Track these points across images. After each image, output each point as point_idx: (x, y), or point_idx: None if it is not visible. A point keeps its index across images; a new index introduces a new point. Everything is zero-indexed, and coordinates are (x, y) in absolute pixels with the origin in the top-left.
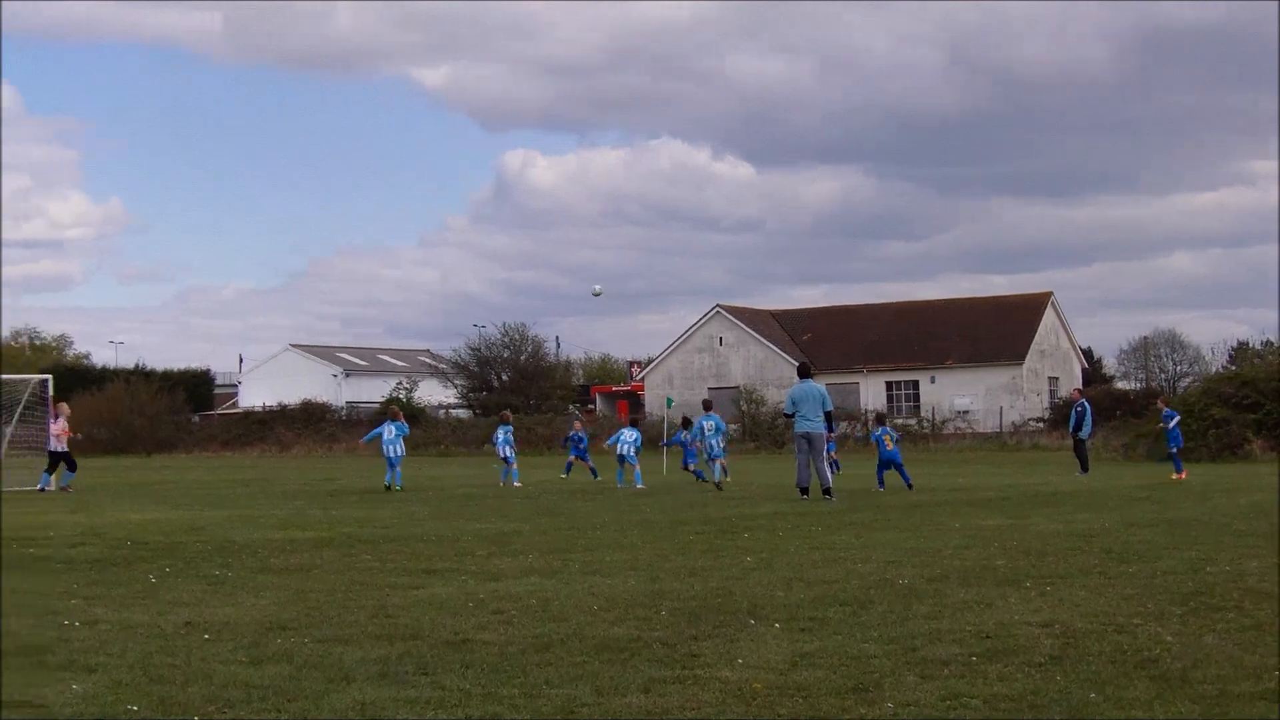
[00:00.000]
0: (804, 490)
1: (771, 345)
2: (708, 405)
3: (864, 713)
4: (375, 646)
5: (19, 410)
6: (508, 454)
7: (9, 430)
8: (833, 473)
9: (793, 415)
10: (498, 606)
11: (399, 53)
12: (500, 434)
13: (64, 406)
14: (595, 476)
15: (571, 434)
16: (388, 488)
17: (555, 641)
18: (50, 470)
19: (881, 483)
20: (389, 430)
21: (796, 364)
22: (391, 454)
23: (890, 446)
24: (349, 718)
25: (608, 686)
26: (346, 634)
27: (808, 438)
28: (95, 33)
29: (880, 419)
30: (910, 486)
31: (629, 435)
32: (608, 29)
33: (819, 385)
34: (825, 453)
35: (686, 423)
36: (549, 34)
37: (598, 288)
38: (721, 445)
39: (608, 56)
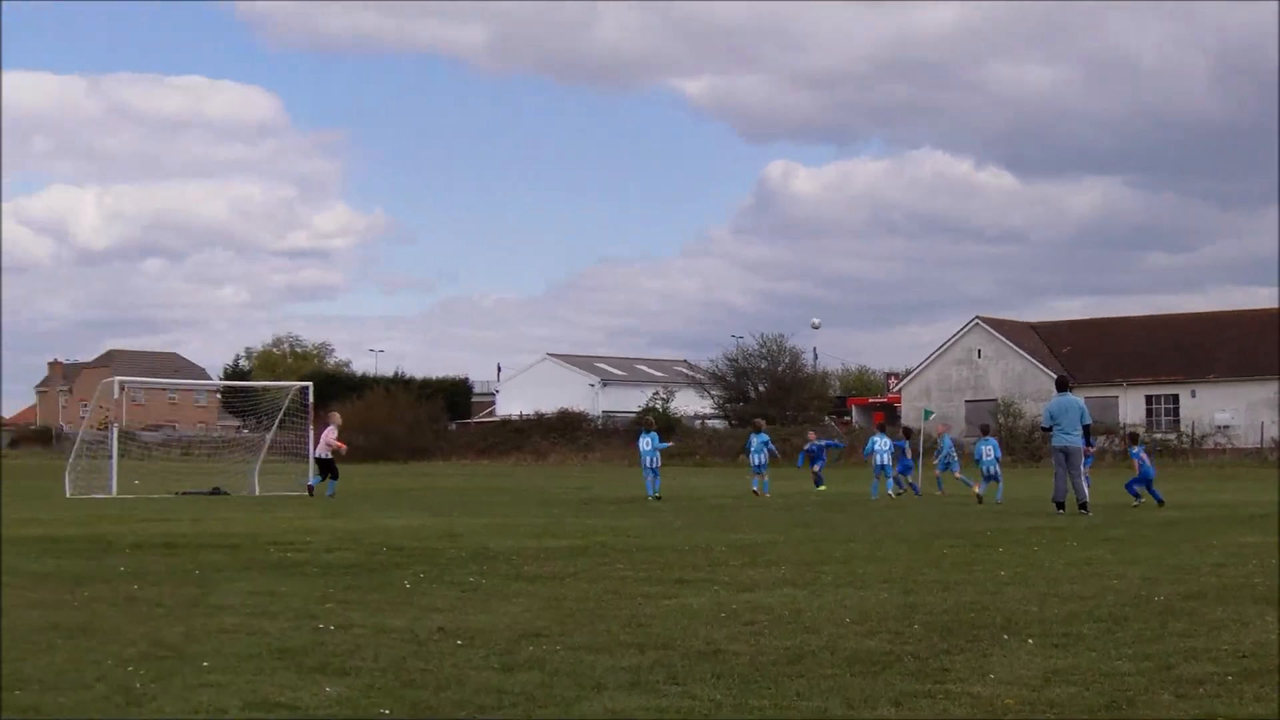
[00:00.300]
0: (1060, 505)
1: (1030, 358)
2: (985, 430)
3: None
4: (627, 655)
5: (279, 416)
6: (761, 462)
7: (270, 436)
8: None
9: (1050, 429)
10: (750, 617)
11: (661, 63)
12: (754, 441)
13: (336, 416)
14: (818, 485)
15: (809, 445)
16: (655, 498)
17: (807, 653)
18: (323, 476)
19: (1136, 495)
20: (645, 441)
21: (1055, 377)
22: (649, 464)
23: (1149, 464)
24: None
25: (858, 699)
26: (599, 642)
27: (1065, 452)
28: (358, 45)
29: (1134, 438)
30: (1161, 503)
31: (882, 444)
32: (870, 39)
33: (1078, 398)
34: (1082, 467)
35: (907, 433)
36: (812, 44)
37: (816, 321)
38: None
39: (870, 67)
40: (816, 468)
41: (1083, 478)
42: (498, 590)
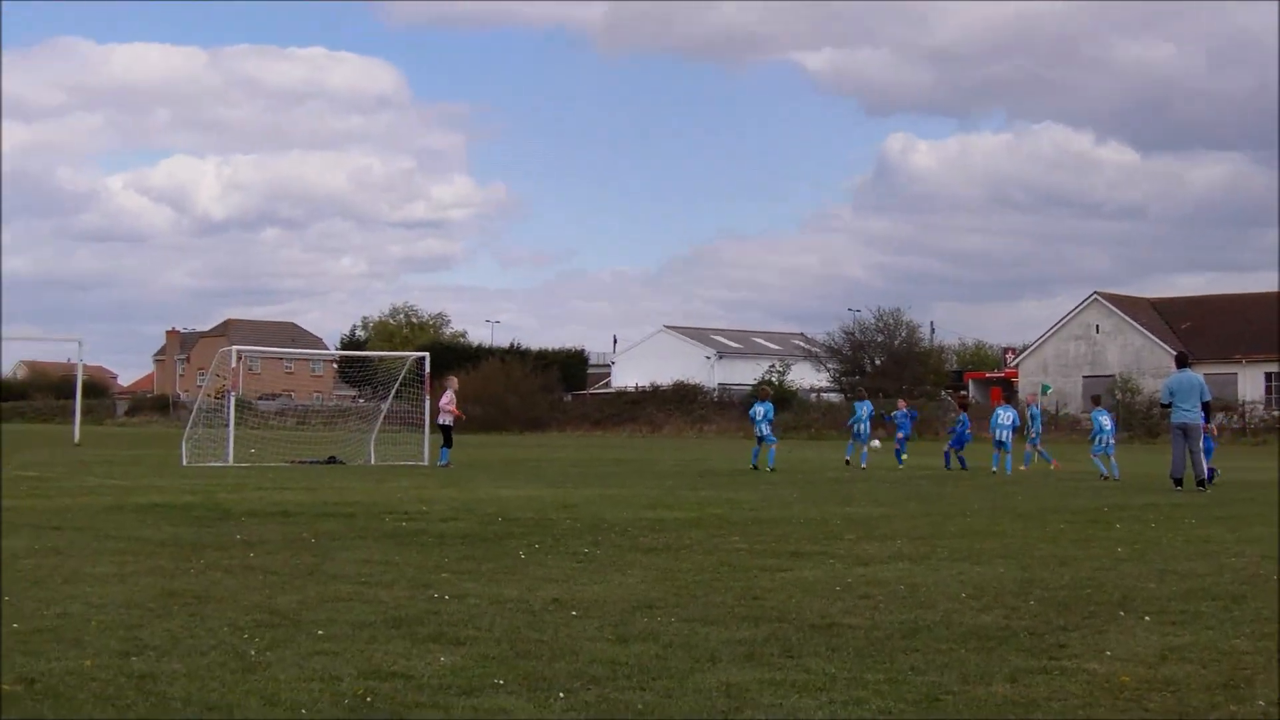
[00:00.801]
0: (1178, 481)
1: (1149, 334)
2: (1096, 400)
3: (1234, 710)
4: (741, 628)
5: (396, 386)
6: (765, 432)
7: (386, 405)
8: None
9: (1169, 405)
10: (865, 591)
11: (782, 38)
12: (760, 410)
13: (453, 380)
14: (899, 461)
15: (894, 414)
16: (755, 468)
17: (922, 628)
18: (446, 445)
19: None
20: (758, 410)
21: (1174, 353)
22: (763, 433)
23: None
24: (714, 698)
25: (973, 675)
26: (713, 614)
27: (1184, 428)
28: (480, 20)
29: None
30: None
31: (1005, 417)
32: (992, 14)
33: (1197, 375)
34: (1201, 443)
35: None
36: (935, 19)
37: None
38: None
39: (992, 43)
40: (900, 436)
41: (1202, 454)
42: (612, 561)
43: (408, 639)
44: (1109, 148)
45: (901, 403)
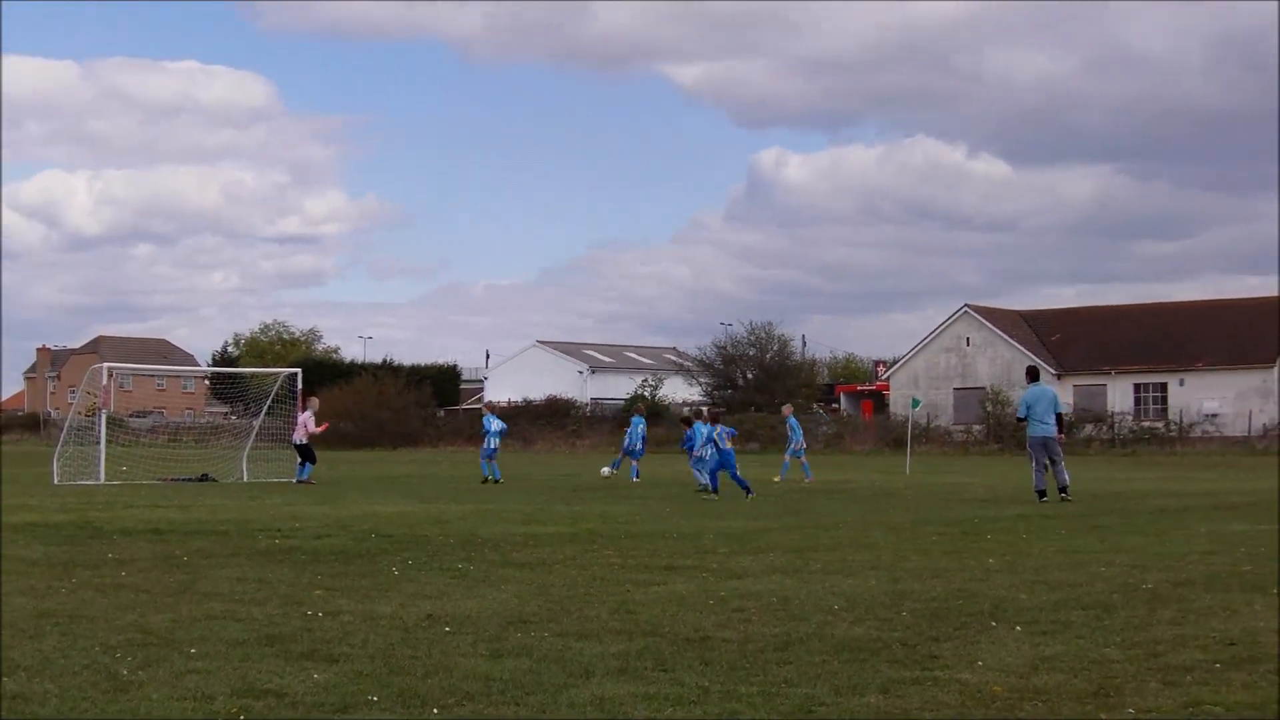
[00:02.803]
0: (1042, 494)
1: (1019, 346)
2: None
3: (1105, 718)
4: (615, 642)
5: (269, 403)
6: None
7: (258, 422)
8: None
9: (1025, 419)
10: (738, 604)
11: (656, 50)
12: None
13: (314, 401)
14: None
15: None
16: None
17: (795, 640)
18: (302, 461)
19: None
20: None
21: (1049, 365)
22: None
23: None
24: (588, 713)
25: (846, 686)
26: (587, 629)
27: (1043, 442)
28: (353, 31)
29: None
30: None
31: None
32: (866, 27)
33: (1050, 388)
34: (1060, 454)
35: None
36: (808, 31)
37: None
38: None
39: (865, 54)
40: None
41: (1063, 465)
42: (486, 577)
43: (281, 657)
44: (981, 160)
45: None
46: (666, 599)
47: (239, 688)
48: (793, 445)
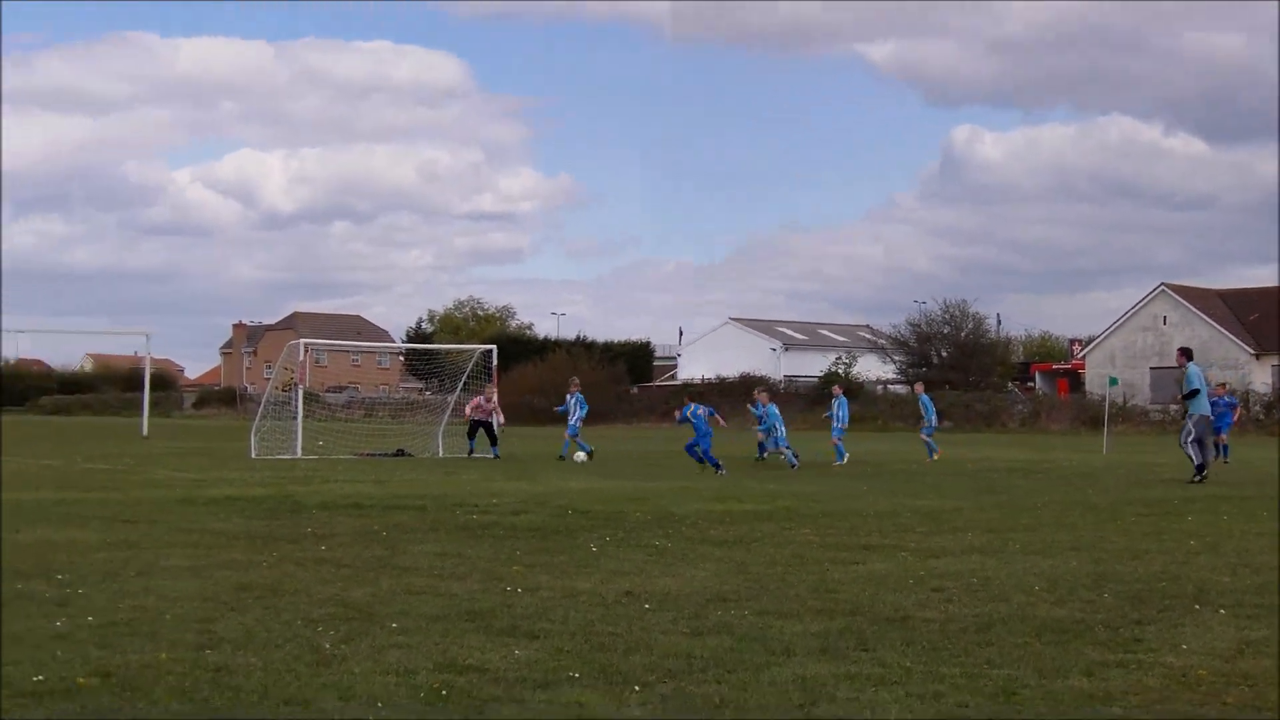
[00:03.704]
0: (1202, 469)
1: (1217, 325)
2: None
3: None
4: (815, 621)
5: (464, 379)
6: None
7: (454, 398)
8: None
9: (1196, 393)
10: (938, 584)
11: (847, 29)
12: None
13: (490, 387)
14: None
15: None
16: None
17: (996, 621)
18: (492, 442)
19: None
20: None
21: (1183, 348)
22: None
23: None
24: (789, 692)
25: (1050, 669)
26: (786, 607)
27: (1208, 419)
28: (544, 13)
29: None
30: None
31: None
32: (1060, 5)
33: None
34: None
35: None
36: (1001, 10)
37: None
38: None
39: (1059, 33)
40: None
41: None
42: (684, 554)
43: (482, 632)
44: (1178, 139)
45: (764, 395)
46: (865, 578)
47: (441, 662)
48: (928, 424)
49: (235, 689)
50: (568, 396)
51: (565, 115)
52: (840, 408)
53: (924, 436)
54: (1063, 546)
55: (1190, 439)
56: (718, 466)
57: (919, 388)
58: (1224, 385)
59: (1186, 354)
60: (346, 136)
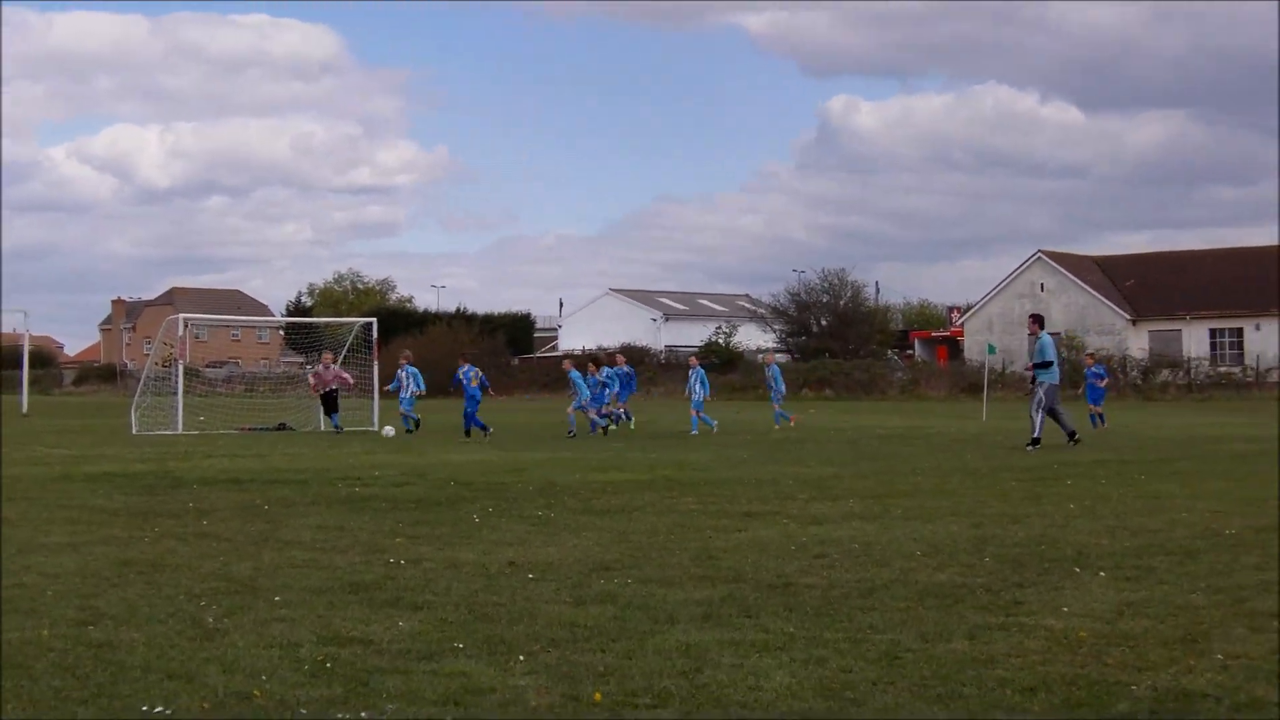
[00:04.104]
0: (1074, 434)
1: (1094, 292)
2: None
3: (1192, 664)
4: (698, 588)
5: (344, 352)
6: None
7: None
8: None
9: (1050, 364)
10: (820, 550)
11: None
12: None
13: (327, 356)
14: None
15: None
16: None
17: (879, 586)
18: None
19: None
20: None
21: (1123, 310)
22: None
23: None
24: (674, 659)
25: (932, 632)
26: (669, 576)
27: (1058, 388)
28: None
29: None
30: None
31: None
32: None
33: None
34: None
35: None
36: None
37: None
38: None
39: (931, 4)
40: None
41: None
42: (566, 524)
43: (366, 604)
44: (1053, 107)
45: (619, 358)
46: (748, 545)
47: (325, 635)
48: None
49: (118, 664)
50: (399, 371)
51: (442, 88)
52: (697, 379)
53: (775, 405)
54: (943, 512)
55: (1040, 407)
56: (486, 430)
57: (768, 358)
58: (1093, 355)
59: (1039, 321)
60: (223, 111)
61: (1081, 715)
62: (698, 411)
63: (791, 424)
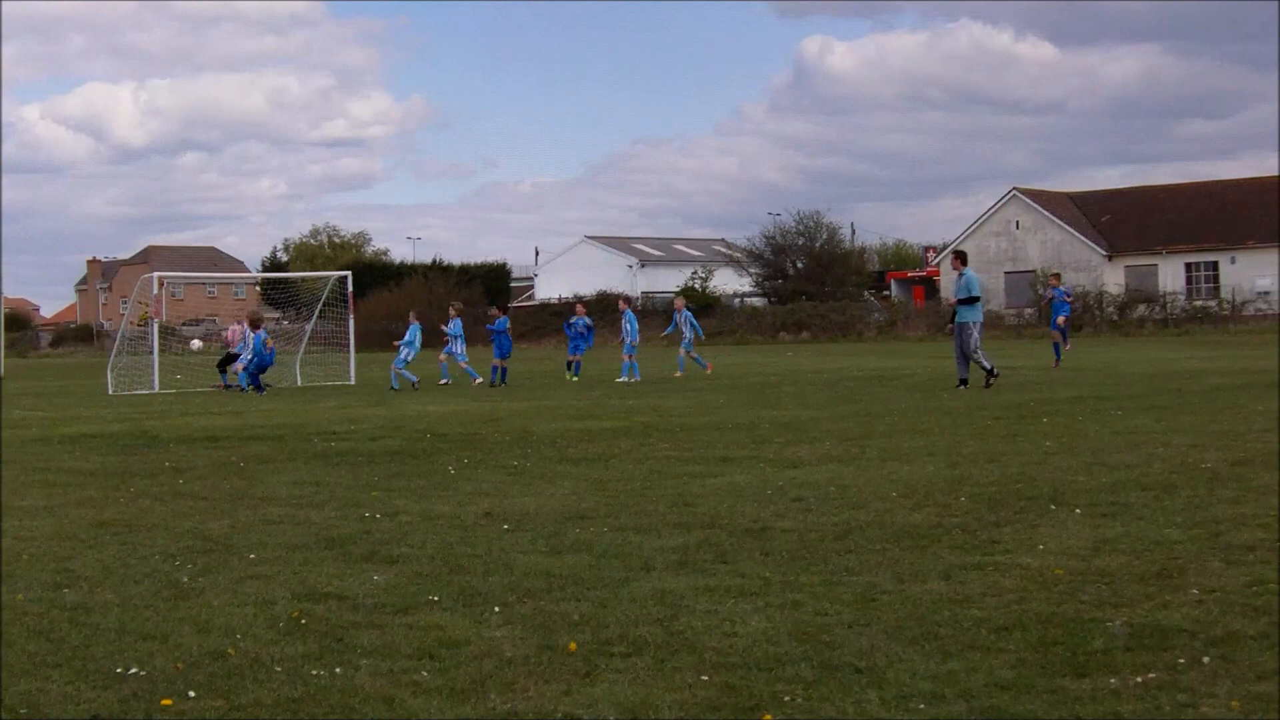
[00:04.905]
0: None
1: (1069, 228)
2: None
3: (1168, 599)
4: (674, 535)
5: (320, 307)
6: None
7: (310, 326)
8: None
9: (978, 300)
10: (796, 494)
11: None
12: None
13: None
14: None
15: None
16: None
17: (854, 529)
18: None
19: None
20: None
21: (1099, 246)
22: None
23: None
24: (649, 606)
25: (908, 573)
26: (645, 523)
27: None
28: None
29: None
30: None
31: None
32: None
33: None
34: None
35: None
36: None
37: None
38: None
39: None
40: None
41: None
42: (542, 473)
43: (341, 559)
44: (1027, 43)
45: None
46: (724, 490)
47: (300, 591)
48: (686, 339)
49: (92, 626)
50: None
51: (415, 38)
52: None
53: (684, 350)
54: (919, 453)
55: (977, 346)
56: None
57: (679, 303)
58: (1058, 276)
59: (962, 258)
60: (195, 67)
61: (1057, 653)
62: (688, 352)
63: (708, 370)
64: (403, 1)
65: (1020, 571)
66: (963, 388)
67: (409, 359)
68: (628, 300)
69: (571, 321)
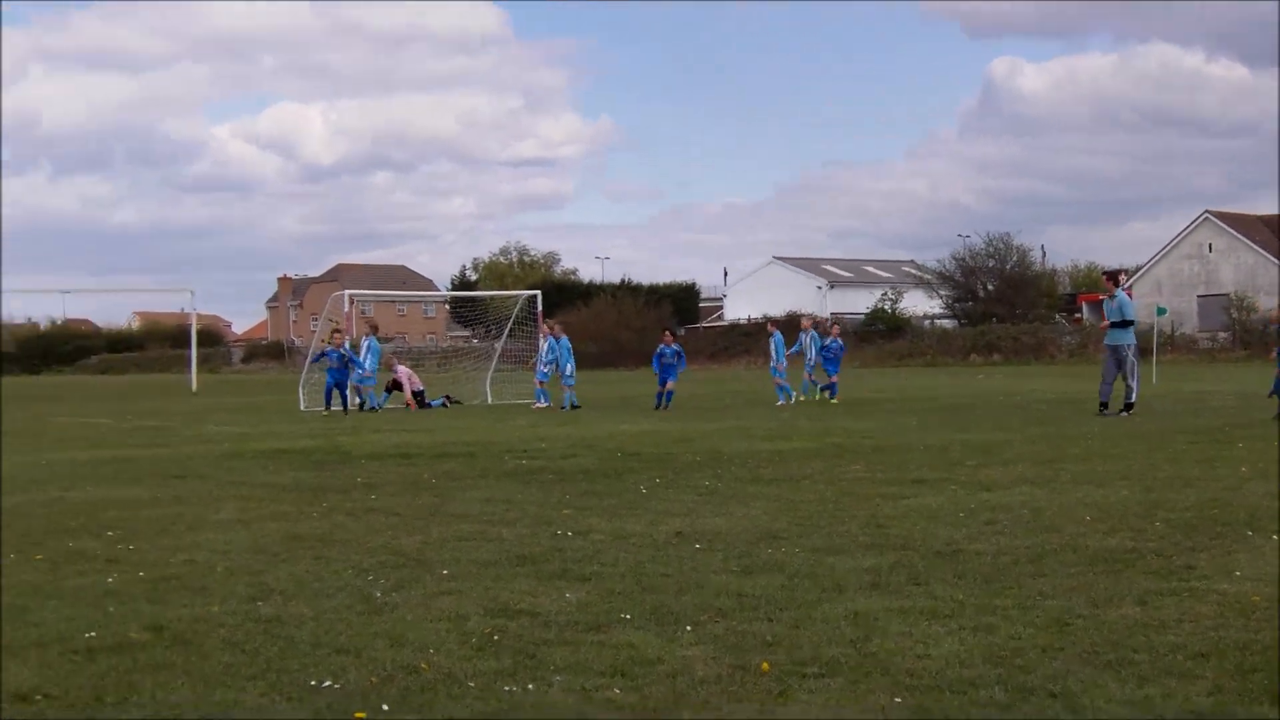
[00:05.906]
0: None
1: (1262, 251)
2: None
3: None
4: (866, 556)
5: (509, 325)
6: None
7: (500, 345)
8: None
9: (1131, 324)
10: (989, 517)
11: None
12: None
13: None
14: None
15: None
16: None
17: (1048, 552)
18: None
19: None
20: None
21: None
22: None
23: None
24: (842, 628)
25: (1102, 598)
26: (837, 544)
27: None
28: None
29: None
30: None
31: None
32: None
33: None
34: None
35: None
36: None
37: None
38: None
39: None
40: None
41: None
42: (734, 494)
43: (533, 576)
44: (1219, 65)
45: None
46: (916, 512)
47: (492, 608)
48: (777, 365)
49: (287, 639)
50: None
51: (604, 59)
52: (774, 345)
53: (776, 379)
54: (1113, 476)
55: (1135, 371)
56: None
57: (771, 327)
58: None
59: (1113, 279)
60: (385, 87)
61: (1256, 680)
62: (778, 380)
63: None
64: (590, 24)
65: (1217, 598)
66: (1104, 412)
67: (366, 378)
68: (775, 323)
69: (660, 351)
